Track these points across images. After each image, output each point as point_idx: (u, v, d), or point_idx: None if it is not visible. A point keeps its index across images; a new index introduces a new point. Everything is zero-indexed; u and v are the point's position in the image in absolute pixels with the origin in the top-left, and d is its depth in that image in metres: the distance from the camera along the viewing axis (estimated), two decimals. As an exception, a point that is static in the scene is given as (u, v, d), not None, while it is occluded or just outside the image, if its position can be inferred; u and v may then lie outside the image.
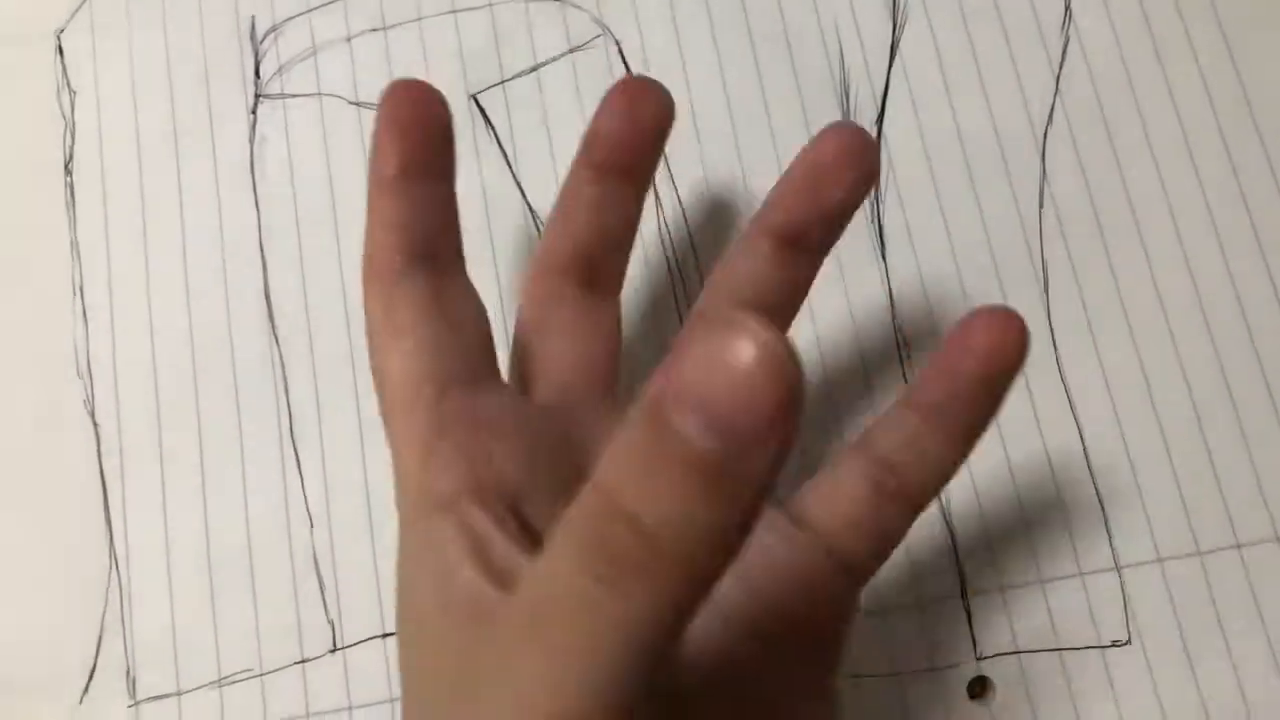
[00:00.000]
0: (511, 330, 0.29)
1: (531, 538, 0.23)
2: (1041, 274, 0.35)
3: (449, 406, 0.24)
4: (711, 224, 0.36)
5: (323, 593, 0.32)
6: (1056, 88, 0.37)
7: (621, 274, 0.30)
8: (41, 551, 0.33)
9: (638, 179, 0.29)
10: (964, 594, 0.33)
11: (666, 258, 0.35)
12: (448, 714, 0.21)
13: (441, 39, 0.37)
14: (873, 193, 0.36)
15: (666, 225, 0.35)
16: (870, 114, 0.37)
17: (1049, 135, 0.37)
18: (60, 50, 0.37)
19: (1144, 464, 0.34)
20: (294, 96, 0.36)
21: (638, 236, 0.30)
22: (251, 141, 0.36)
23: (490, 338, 0.27)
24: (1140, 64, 0.37)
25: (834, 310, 0.35)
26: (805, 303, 0.34)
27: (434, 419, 0.24)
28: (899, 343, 0.35)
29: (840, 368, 0.35)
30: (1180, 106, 0.37)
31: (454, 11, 0.37)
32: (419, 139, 0.26)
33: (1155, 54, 0.37)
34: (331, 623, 0.32)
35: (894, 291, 0.35)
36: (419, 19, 0.37)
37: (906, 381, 0.34)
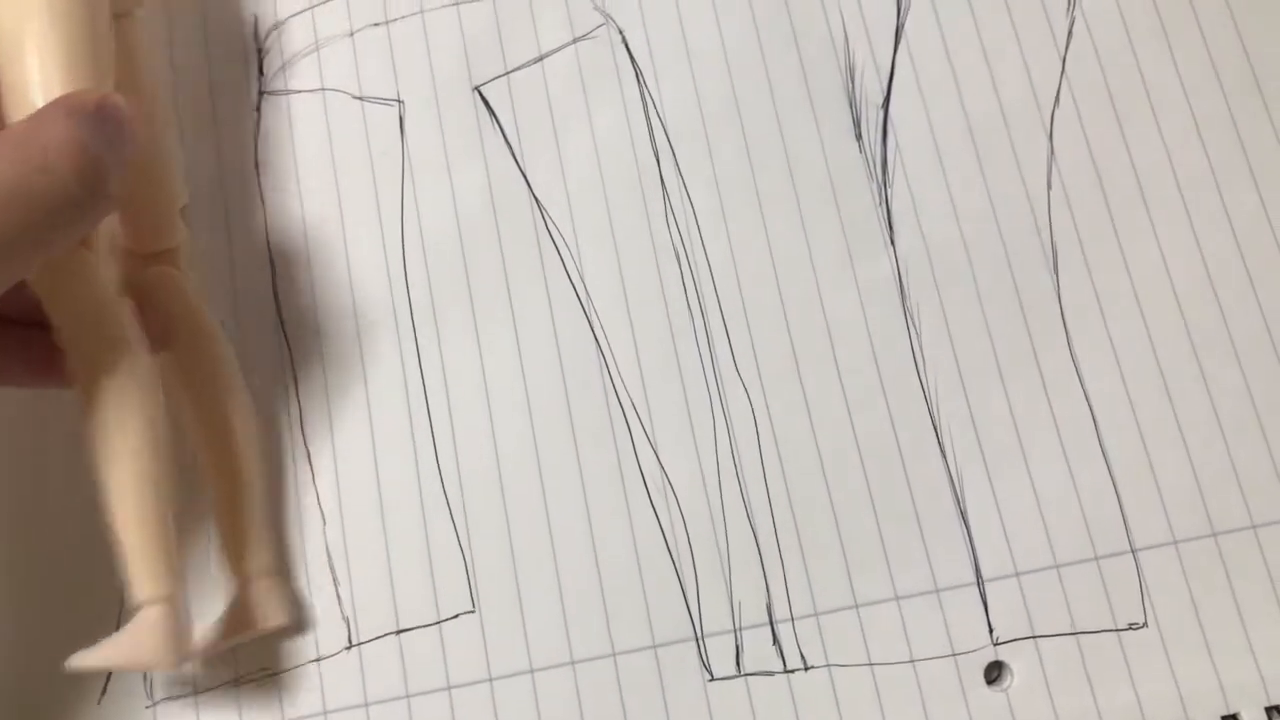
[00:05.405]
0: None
1: None
2: (1051, 254, 0.35)
3: None
4: (717, 213, 0.35)
5: (337, 589, 0.32)
6: (1063, 68, 0.37)
7: None
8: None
9: None
10: (979, 580, 0.33)
11: (674, 248, 0.35)
12: None
13: (444, 31, 0.37)
14: (880, 176, 0.36)
15: (673, 214, 0.35)
16: (876, 97, 0.36)
17: (1056, 116, 0.36)
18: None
19: (1157, 444, 0.34)
20: (298, 93, 0.36)
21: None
22: (256, 138, 0.36)
23: None
24: (1147, 43, 0.37)
25: (843, 295, 0.35)
26: (814, 286, 0.35)
27: None
28: (910, 327, 0.35)
29: (851, 353, 0.34)
30: (1187, 85, 0.37)
31: (456, 4, 0.37)
32: None
33: (1162, 32, 0.37)
34: (346, 619, 0.32)
35: (903, 275, 0.35)
36: (421, 11, 0.37)
37: (918, 366, 0.34)
